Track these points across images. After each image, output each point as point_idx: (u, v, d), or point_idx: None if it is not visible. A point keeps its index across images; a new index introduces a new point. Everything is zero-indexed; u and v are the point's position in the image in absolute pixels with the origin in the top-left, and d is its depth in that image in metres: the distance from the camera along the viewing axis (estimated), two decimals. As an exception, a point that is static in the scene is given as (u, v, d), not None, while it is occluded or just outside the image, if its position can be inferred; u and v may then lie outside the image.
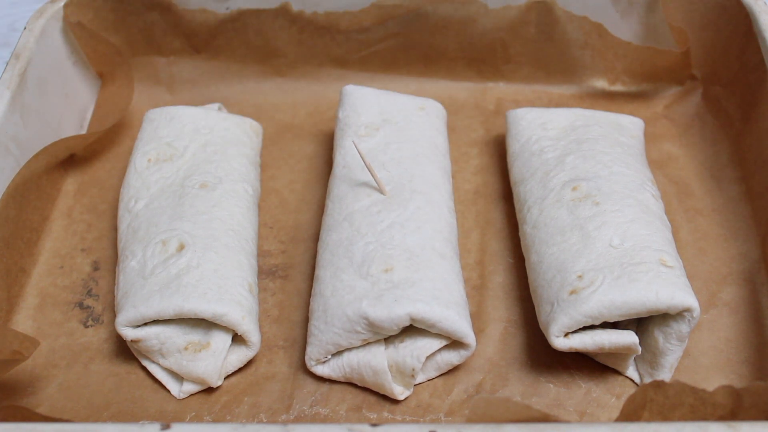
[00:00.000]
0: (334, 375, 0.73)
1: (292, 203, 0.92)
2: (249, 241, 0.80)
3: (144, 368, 0.76)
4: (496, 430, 0.54)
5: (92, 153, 0.97)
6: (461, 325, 0.70)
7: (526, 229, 0.80)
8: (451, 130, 0.98)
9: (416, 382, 0.74)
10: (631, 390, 0.73)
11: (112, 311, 0.78)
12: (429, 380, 0.75)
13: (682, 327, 0.69)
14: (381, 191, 0.80)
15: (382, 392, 0.73)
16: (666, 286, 0.68)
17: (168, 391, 0.74)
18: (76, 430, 0.57)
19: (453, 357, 0.73)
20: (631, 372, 0.74)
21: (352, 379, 0.73)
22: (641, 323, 0.73)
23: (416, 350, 0.71)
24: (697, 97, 1.00)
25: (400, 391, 0.72)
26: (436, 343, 0.71)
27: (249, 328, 0.72)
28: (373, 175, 0.79)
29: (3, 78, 0.86)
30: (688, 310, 0.68)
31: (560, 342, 0.70)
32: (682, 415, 0.58)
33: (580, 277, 0.71)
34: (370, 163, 0.79)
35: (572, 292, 0.70)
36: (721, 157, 0.93)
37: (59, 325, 0.80)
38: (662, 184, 0.90)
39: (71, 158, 0.96)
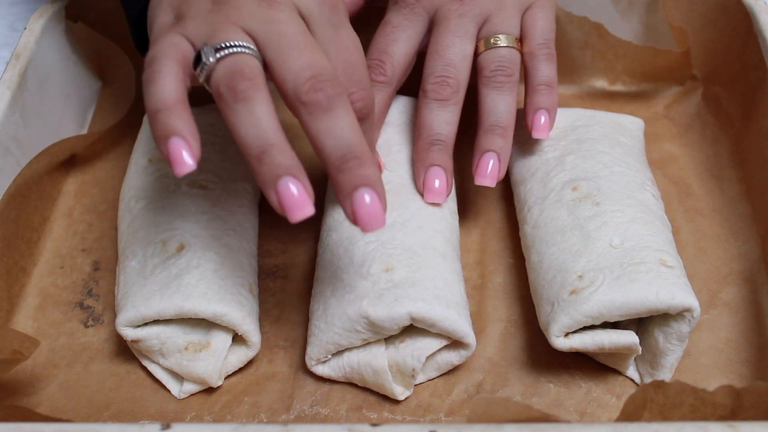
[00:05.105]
0: (334, 375, 0.73)
1: (292, 203, 0.91)
2: (249, 241, 0.80)
3: (144, 368, 0.76)
4: (496, 430, 0.54)
5: (93, 153, 0.97)
6: (461, 324, 0.70)
7: (527, 229, 0.80)
8: (452, 130, 0.97)
9: (416, 382, 0.74)
10: (631, 390, 0.73)
11: (113, 311, 0.78)
12: (429, 380, 0.75)
13: (683, 327, 0.69)
14: (381, 191, 0.80)
15: (382, 392, 0.73)
16: (666, 286, 0.68)
17: (168, 391, 0.74)
18: (76, 430, 0.57)
19: (453, 357, 0.73)
20: (632, 372, 0.74)
21: (353, 379, 0.73)
22: (641, 323, 0.73)
23: (417, 350, 0.71)
24: (697, 97, 0.99)
25: (400, 391, 0.72)
26: (437, 343, 0.71)
27: (249, 328, 0.72)
28: (373, 175, 0.79)
29: (3, 78, 0.86)
30: (688, 310, 0.68)
31: (560, 342, 0.70)
32: (682, 415, 0.58)
33: (580, 277, 0.71)
34: (370, 163, 0.79)
35: (572, 292, 0.70)
36: (722, 157, 0.93)
37: (59, 325, 0.80)
38: (662, 184, 0.90)
39: (72, 158, 0.96)
